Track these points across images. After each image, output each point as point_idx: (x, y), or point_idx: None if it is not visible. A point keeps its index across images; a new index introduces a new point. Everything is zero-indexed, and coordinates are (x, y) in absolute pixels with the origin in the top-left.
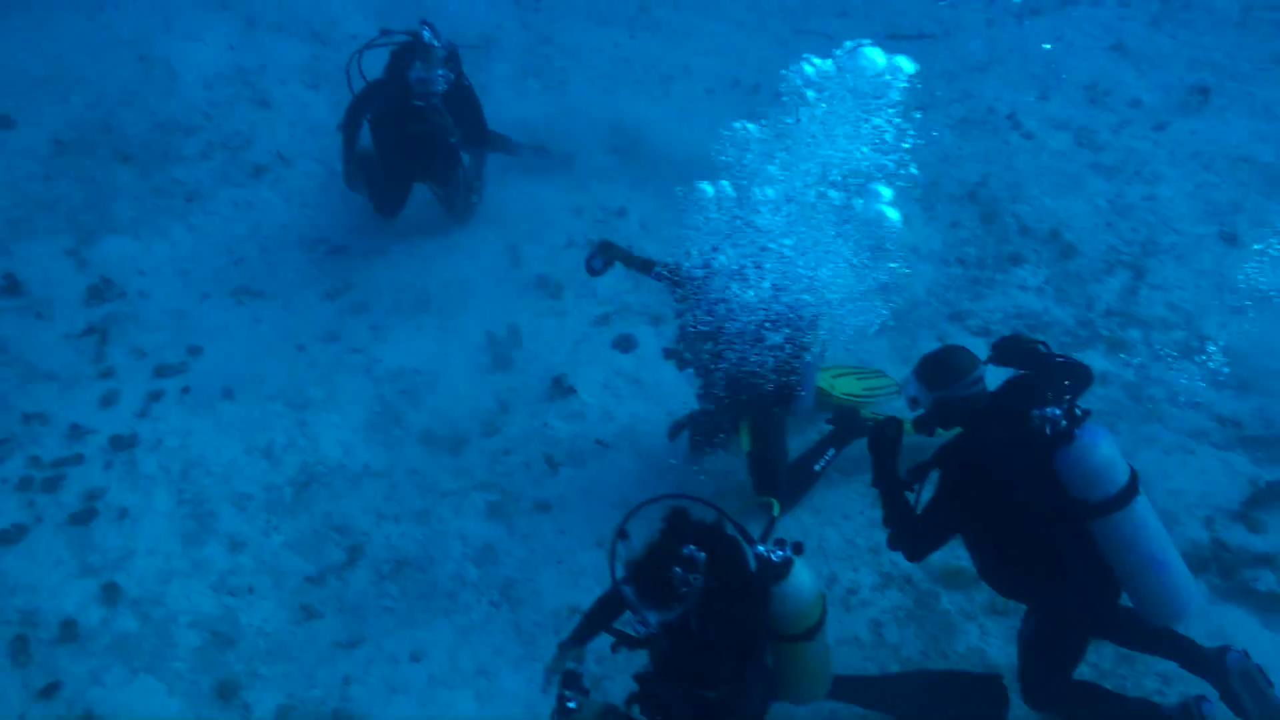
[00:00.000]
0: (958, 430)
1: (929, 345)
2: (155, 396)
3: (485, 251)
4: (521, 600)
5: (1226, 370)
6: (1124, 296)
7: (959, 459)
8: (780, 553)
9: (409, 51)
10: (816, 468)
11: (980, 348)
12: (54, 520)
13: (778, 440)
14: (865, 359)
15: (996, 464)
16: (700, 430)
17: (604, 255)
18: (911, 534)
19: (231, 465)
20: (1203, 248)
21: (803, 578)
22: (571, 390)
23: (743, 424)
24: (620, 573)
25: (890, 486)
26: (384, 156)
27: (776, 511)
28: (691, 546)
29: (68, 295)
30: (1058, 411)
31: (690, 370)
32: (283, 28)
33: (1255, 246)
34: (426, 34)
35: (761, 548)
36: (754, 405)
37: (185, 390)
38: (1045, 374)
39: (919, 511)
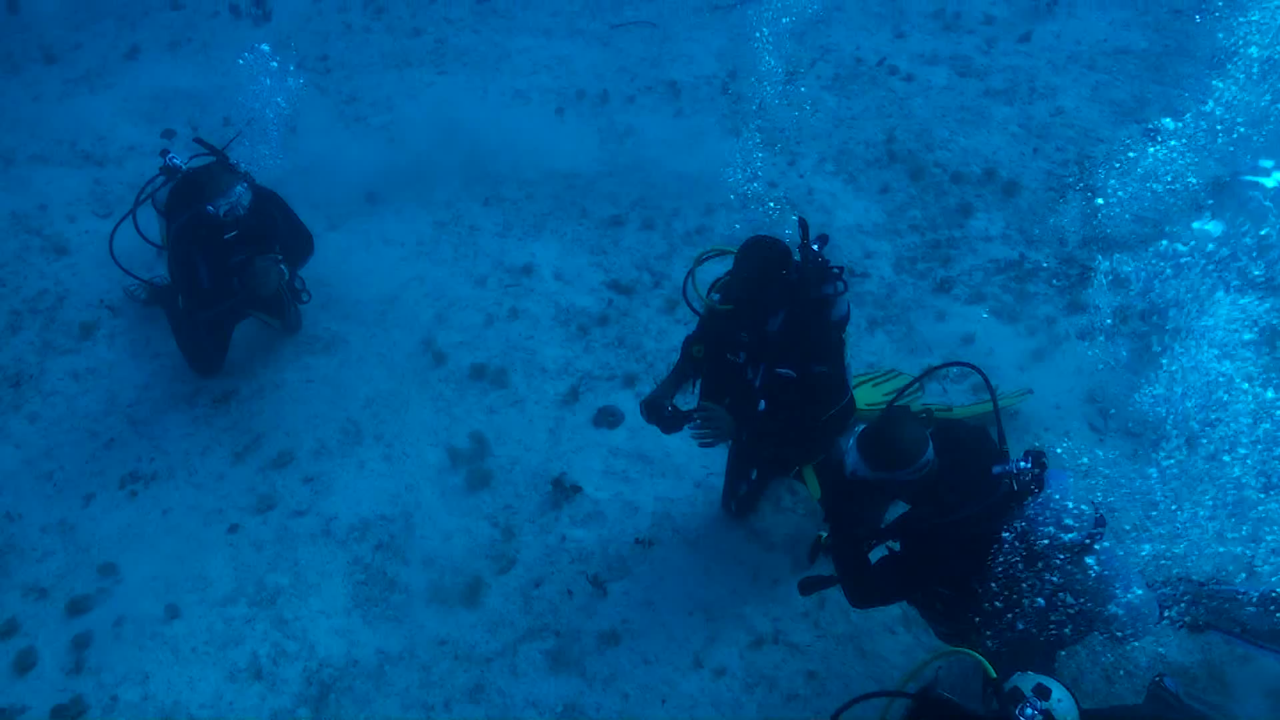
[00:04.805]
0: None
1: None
2: (83, 643)
3: (397, 355)
4: None
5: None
6: (1089, 221)
7: (925, 536)
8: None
9: (189, 185)
10: None
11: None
12: None
13: None
14: (872, 360)
15: (964, 536)
16: (739, 490)
17: (654, 412)
18: (863, 588)
19: (219, 701)
20: (1134, 149)
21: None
22: (576, 489)
23: (805, 470)
24: None
25: (851, 533)
26: (211, 304)
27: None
28: None
29: None
30: (1023, 465)
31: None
32: (47, 157)
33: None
34: (177, 159)
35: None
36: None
37: (119, 623)
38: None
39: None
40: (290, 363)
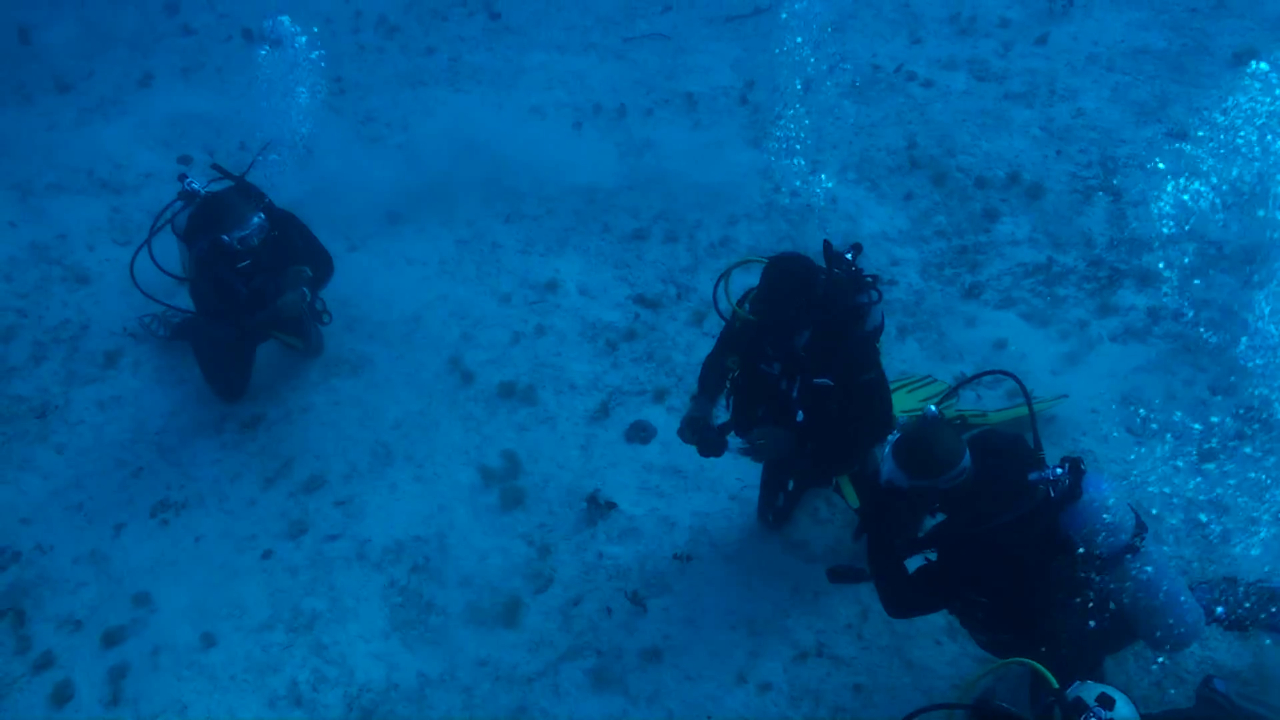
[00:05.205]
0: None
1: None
2: (120, 673)
3: (424, 375)
4: None
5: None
6: (1115, 223)
7: (963, 545)
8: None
9: (208, 211)
10: None
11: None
12: None
13: None
14: (903, 368)
15: (1001, 543)
16: (776, 502)
17: (696, 430)
18: (900, 597)
19: None
20: (1159, 150)
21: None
22: (611, 505)
23: (841, 480)
24: None
25: (887, 542)
26: (238, 317)
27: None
28: None
29: None
30: (1059, 471)
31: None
32: (64, 186)
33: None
34: (197, 184)
35: None
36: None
37: (155, 653)
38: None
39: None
40: (317, 385)
